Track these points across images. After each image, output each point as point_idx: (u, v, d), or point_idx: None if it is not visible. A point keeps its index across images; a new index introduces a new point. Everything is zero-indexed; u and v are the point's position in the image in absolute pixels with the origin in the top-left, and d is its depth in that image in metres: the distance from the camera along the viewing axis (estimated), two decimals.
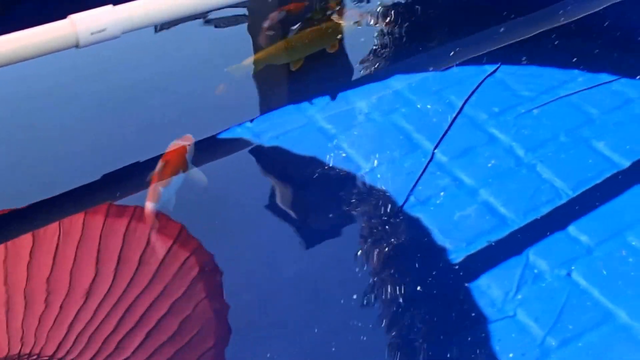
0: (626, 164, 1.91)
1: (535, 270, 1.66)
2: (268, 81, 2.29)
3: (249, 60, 2.28)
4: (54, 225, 1.79)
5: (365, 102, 2.12)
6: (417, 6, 2.56)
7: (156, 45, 2.44)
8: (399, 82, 2.18)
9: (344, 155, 1.95)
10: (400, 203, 1.82)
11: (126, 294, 1.63)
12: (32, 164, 1.98)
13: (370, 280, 1.66)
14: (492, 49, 2.30)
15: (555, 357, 1.51)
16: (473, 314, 1.59)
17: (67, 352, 1.53)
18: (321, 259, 1.73)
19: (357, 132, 2.03)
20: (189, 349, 1.54)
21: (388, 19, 2.50)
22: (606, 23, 2.43)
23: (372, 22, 2.48)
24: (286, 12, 2.48)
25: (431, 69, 2.24)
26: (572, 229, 1.75)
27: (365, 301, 1.62)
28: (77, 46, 1.91)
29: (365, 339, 1.54)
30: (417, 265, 1.69)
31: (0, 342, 1.55)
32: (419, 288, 1.63)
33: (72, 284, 1.65)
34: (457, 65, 2.25)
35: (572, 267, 1.66)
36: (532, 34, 2.37)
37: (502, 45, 2.32)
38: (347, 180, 1.89)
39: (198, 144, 1.95)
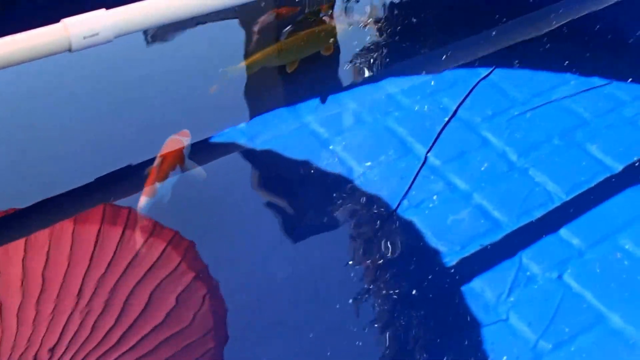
0: (619, 167, 1.92)
1: (528, 273, 1.67)
2: (261, 84, 2.29)
3: (245, 61, 2.28)
4: (47, 228, 1.79)
5: (358, 105, 2.12)
6: (410, 10, 2.56)
7: (150, 48, 2.44)
8: (392, 85, 2.19)
9: (337, 158, 1.95)
10: (393, 206, 1.82)
11: (121, 297, 1.63)
12: (29, 165, 1.98)
13: (365, 283, 1.66)
14: (484, 52, 2.31)
15: None
16: (466, 318, 1.59)
17: (61, 357, 1.53)
18: (314, 263, 1.73)
19: (350, 135, 2.03)
20: (185, 351, 1.54)
21: (381, 22, 2.50)
22: (597, 27, 2.44)
23: (365, 25, 2.48)
24: (278, 15, 2.48)
25: (424, 72, 2.24)
26: (564, 232, 1.76)
27: (360, 305, 1.62)
28: (69, 50, 1.90)
29: (360, 343, 1.54)
30: (411, 268, 1.69)
31: None
32: (414, 292, 1.63)
33: (65, 287, 1.65)
34: (450, 68, 2.25)
35: (564, 270, 1.67)
36: (525, 38, 2.38)
37: (494, 49, 2.33)
38: (340, 183, 1.89)
39: (191, 147, 1.95)
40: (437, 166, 1.93)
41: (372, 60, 2.33)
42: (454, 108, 2.10)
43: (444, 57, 2.31)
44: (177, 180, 1.87)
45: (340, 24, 2.48)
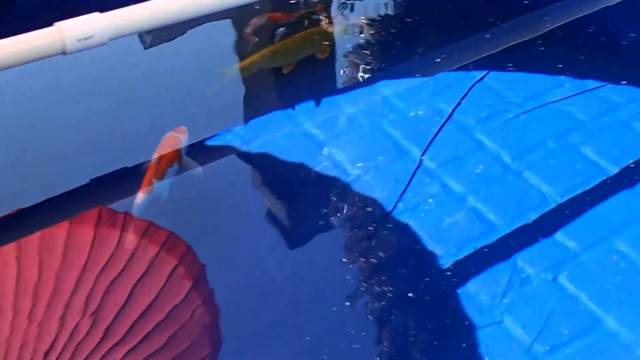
0: (613, 169, 1.92)
1: (523, 275, 1.67)
2: (256, 87, 2.29)
3: (242, 63, 2.28)
4: (42, 230, 1.78)
5: (353, 108, 2.12)
6: (405, 13, 2.57)
7: (146, 50, 2.43)
8: (387, 88, 2.19)
9: (332, 161, 1.95)
10: (389, 209, 1.83)
11: (117, 301, 1.62)
12: (25, 166, 1.98)
13: (361, 286, 1.66)
14: (479, 55, 2.31)
15: None
16: (461, 320, 1.59)
17: None
18: (311, 265, 1.73)
19: (345, 138, 2.03)
20: (183, 355, 1.53)
21: (377, 24, 2.51)
22: (591, 29, 2.44)
23: (360, 28, 2.48)
24: (272, 19, 2.49)
25: (419, 75, 2.25)
26: (559, 234, 1.76)
27: (357, 307, 1.62)
28: (64, 53, 1.91)
29: (358, 346, 1.54)
30: (407, 270, 1.69)
31: None
32: (410, 294, 1.63)
33: (58, 291, 1.64)
34: (445, 71, 2.26)
35: (559, 273, 1.67)
36: (519, 41, 2.38)
37: (489, 52, 2.33)
38: (335, 186, 1.89)
39: (187, 149, 1.95)
40: (432, 169, 1.93)
41: (367, 63, 2.34)
42: (449, 111, 2.10)
43: (439, 60, 2.31)
44: (175, 177, 1.88)
45: (336, 26, 2.48)
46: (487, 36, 2.41)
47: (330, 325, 1.58)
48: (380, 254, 1.73)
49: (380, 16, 2.56)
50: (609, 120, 2.07)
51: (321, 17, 2.50)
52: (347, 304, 1.62)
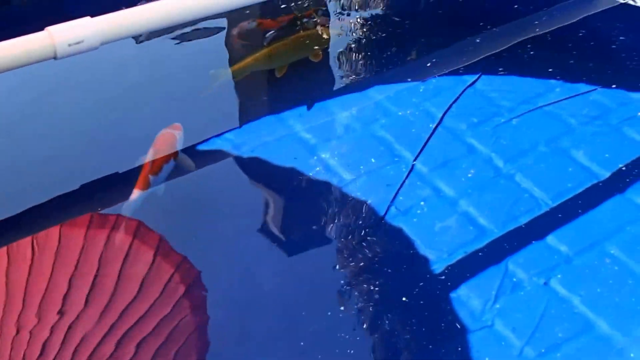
0: (605, 173, 1.92)
1: (514, 280, 1.67)
2: (248, 92, 2.29)
3: (235, 65, 2.29)
4: (29, 238, 1.77)
5: (345, 113, 2.12)
6: (396, 17, 2.57)
7: (135, 56, 2.43)
8: (379, 93, 2.19)
9: (324, 165, 1.95)
10: (381, 214, 1.83)
11: (107, 310, 1.61)
12: (15, 170, 1.97)
13: (354, 291, 1.66)
14: (470, 60, 2.32)
15: None
16: (453, 325, 1.59)
17: None
18: (304, 271, 1.73)
19: (337, 142, 2.03)
20: None
21: (368, 29, 2.51)
22: (581, 33, 2.45)
23: (352, 33, 2.49)
24: (262, 25, 2.49)
25: (410, 79, 2.25)
26: (551, 238, 1.76)
27: (350, 312, 1.61)
28: (54, 58, 1.90)
29: (352, 351, 1.53)
30: (399, 275, 1.69)
31: None
32: (403, 299, 1.63)
33: (48, 299, 1.63)
34: (436, 76, 2.26)
35: (551, 277, 1.67)
36: (509, 45, 2.39)
37: (480, 57, 2.33)
38: (328, 191, 1.89)
39: (175, 161, 1.94)
40: (424, 173, 1.93)
41: (359, 67, 2.34)
42: (441, 115, 2.10)
43: (430, 64, 2.32)
44: (168, 178, 1.88)
45: (329, 30, 2.48)
46: (478, 41, 2.41)
47: (325, 330, 1.57)
48: (373, 258, 1.72)
49: (371, 21, 2.56)
50: (599, 124, 2.08)
51: (313, 21, 2.50)
52: (342, 308, 1.62)
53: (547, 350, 1.53)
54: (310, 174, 1.93)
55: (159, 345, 1.55)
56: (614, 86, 2.23)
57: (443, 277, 1.68)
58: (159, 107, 2.17)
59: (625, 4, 2.57)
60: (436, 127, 2.07)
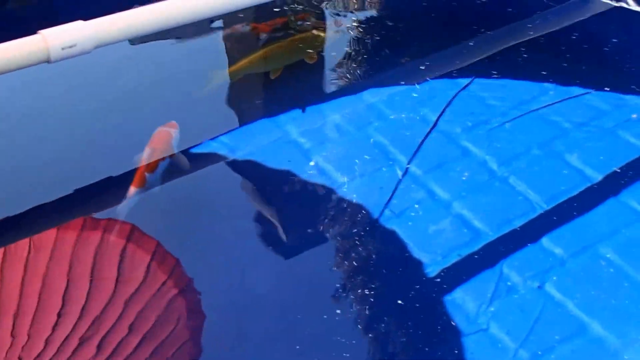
0: (598, 176, 1.93)
1: (509, 283, 1.67)
2: (242, 95, 2.29)
3: (230, 68, 2.29)
4: (25, 240, 1.77)
5: (339, 116, 2.12)
6: (390, 21, 2.57)
7: (130, 59, 2.43)
8: (373, 96, 2.19)
9: (319, 169, 1.95)
10: (375, 216, 1.82)
11: (103, 313, 1.61)
12: (6, 175, 1.96)
13: (348, 294, 1.66)
14: (463, 63, 2.32)
15: None
16: (448, 328, 1.59)
17: None
18: (298, 274, 1.73)
19: (331, 145, 2.03)
20: None
21: (362, 32, 2.51)
22: (574, 36, 2.46)
23: (346, 36, 2.49)
24: (256, 28, 2.49)
25: (404, 82, 2.25)
26: (545, 241, 1.77)
27: (346, 316, 1.61)
28: (48, 61, 1.90)
29: (347, 355, 1.53)
30: (394, 278, 1.69)
31: None
32: (398, 301, 1.63)
33: (44, 303, 1.63)
34: (430, 79, 2.26)
35: (545, 280, 1.67)
36: (502, 48, 2.40)
37: (474, 60, 2.34)
38: (322, 194, 1.89)
39: (171, 159, 1.94)
40: (419, 176, 1.93)
41: (352, 71, 2.34)
42: (434, 118, 2.10)
43: (424, 67, 2.32)
44: (163, 180, 1.89)
45: (323, 33, 2.49)
46: (471, 44, 2.42)
47: (321, 333, 1.57)
48: (368, 261, 1.72)
49: (365, 24, 2.57)
50: (593, 127, 2.09)
51: (307, 24, 2.50)
52: (338, 311, 1.61)
53: (542, 352, 1.54)
54: (305, 177, 1.93)
55: (155, 348, 1.54)
56: (607, 89, 2.23)
57: (438, 280, 1.68)
58: (154, 110, 2.17)
59: (619, 7, 2.58)
60: (430, 129, 2.07)
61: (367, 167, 1.96)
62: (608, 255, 1.72)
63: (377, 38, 2.48)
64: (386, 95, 2.20)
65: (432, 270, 1.70)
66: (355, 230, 1.80)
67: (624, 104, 2.17)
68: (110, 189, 1.91)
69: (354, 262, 1.72)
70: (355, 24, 2.55)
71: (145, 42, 2.43)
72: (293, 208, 1.90)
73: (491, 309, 1.61)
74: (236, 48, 2.44)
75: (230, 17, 2.47)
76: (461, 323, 1.59)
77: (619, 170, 1.95)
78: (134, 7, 2.05)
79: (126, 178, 1.86)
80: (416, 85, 2.23)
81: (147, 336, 1.56)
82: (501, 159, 1.98)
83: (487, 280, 1.68)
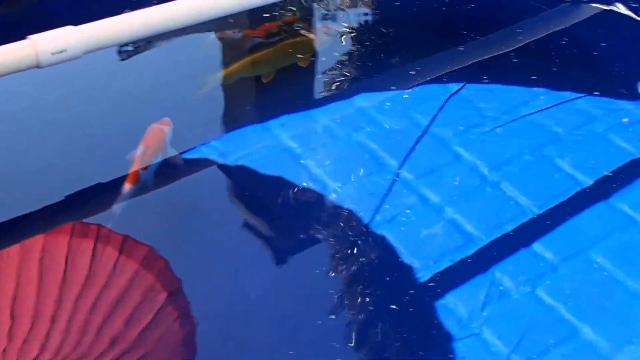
0: (589, 181, 1.93)
1: (501, 287, 1.67)
2: (234, 100, 2.29)
3: (222, 72, 2.29)
4: (16, 246, 1.76)
5: (330, 121, 2.12)
6: (382, 26, 2.58)
7: (121, 64, 2.42)
8: (364, 101, 2.19)
9: (310, 174, 1.95)
10: (367, 221, 1.82)
11: (94, 319, 1.60)
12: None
13: (340, 299, 1.65)
14: (454, 68, 2.32)
15: None
16: (440, 332, 1.59)
17: None
18: (290, 280, 1.72)
19: (322, 151, 2.02)
20: None
21: (353, 37, 2.52)
22: (563, 41, 2.47)
23: (338, 40, 2.49)
24: (246, 34, 2.50)
25: (395, 87, 2.25)
26: (537, 246, 1.77)
27: (340, 321, 1.61)
28: (37, 67, 1.89)
29: None
30: (386, 283, 1.69)
31: None
32: (391, 306, 1.63)
33: (36, 307, 1.62)
34: (421, 84, 2.26)
35: (537, 285, 1.67)
36: (493, 53, 2.40)
37: (465, 65, 2.34)
38: (313, 199, 1.89)
39: (162, 164, 1.94)
40: (410, 181, 1.93)
41: (344, 76, 2.34)
42: (426, 123, 2.11)
43: (415, 72, 2.32)
44: (159, 167, 1.90)
45: (314, 37, 2.49)
46: (462, 49, 2.42)
47: (315, 339, 1.57)
48: (361, 266, 1.72)
49: (356, 29, 2.57)
50: (584, 132, 2.09)
51: (298, 29, 2.50)
52: (332, 317, 1.61)
53: (534, 357, 1.54)
54: (296, 183, 1.93)
55: (144, 355, 1.54)
56: (597, 93, 2.24)
57: (431, 285, 1.68)
58: (145, 114, 2.16)
59: (608, 11, 2.59)
60: (422, 135, 2.07)
61: (358, 172, 1.95)
62: (599, 260, 1.73)
63: (368, 43, 2.48)
64: (377, 100, 2.20)
65: (424, 275, 1.70)
66: (347, 235, 1.79)
67: (614, 108, 2.18)
68: (103, 192, 1.90)
69: (346, 268, 1.72)
70: (346, 28, 2.56)
71: (137, 47, 2.43)
72: (284, 213, 1.90)
73: (483, 314, 1.61)
74: (228, 53, 2.44)
75: (222, 22, 2.46)
76: (454, 328, 1.59)
77: (610, 175, 1.95)
78: (125, 12, 2.05)
79: (119, 182, 1.86)
80: (407, 90, 2.24)
81: (138, 341, 1.56)
82: (492, 163, 1.98)
83: (480, 285, 1.68)
